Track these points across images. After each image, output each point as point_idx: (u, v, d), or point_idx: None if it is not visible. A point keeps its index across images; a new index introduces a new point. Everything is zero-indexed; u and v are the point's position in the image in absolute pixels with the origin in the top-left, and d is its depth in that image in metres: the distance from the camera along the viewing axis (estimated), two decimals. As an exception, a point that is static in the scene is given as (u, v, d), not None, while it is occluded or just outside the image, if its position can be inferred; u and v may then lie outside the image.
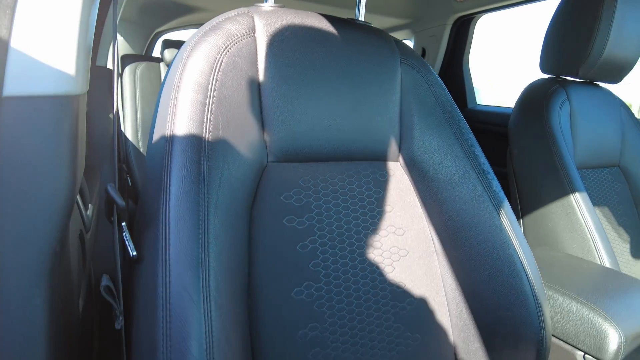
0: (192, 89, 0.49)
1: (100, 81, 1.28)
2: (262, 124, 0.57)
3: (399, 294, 0.62)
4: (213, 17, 0.60)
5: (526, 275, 0.59)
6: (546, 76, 1.18)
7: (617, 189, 1.15)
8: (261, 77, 0.56)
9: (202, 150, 0.47)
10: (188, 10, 1.86)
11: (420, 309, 0.63)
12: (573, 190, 0.96)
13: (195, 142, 0.47)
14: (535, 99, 1.08)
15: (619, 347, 0.62)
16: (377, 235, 0.63)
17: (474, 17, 1.77)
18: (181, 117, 0.47)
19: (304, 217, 0.58)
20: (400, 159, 0.68)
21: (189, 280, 0.40)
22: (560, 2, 1.10)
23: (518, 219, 1.12)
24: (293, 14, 0.61)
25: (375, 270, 0.61)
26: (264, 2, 0.62)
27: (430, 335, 0.63)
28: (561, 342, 0.68)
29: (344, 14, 0.68)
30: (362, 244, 0.61)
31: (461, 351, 0.65)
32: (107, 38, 1.48)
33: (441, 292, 0.66)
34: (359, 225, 0.62)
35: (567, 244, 0.96)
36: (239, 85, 0.54)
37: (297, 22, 0.60)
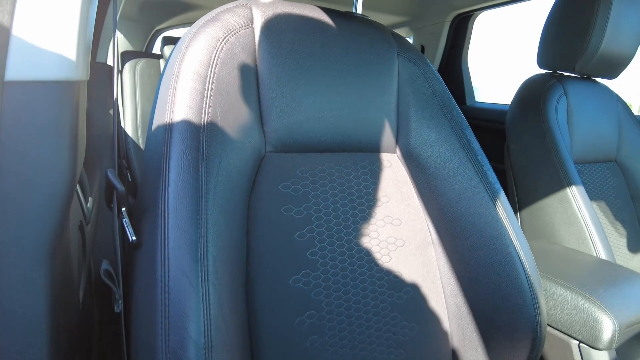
0: (191, 78, 0.50)
1: (100, 77, 1.29)
2: (260, 114, 0.58)
3: (396, 283, 0.63)
4: None
5: (522, 264, 0.60)
6: (544, 71, 1.19)
7: (614, 184, 1.16)
8: (259, 67, 0.57)
9: (200, 138, 0.47)
10: (188, 7, 1.87)
11: (416, 298, 0.64)
12: (570, 183, 0.97)
13: (193, 130, 0.47)
14: (533, 94, 1.09)
15: (613, 336, 0.62)
16: (374, 226, 0.64)
17: (472, 15, 1.77)
18: (180, 106, 0.48)
19: (302, 206, 0.59)
20: (397, 150, 0.69)
21: (188, 264, 0.41)
22: (558, -2, 1.11)
23: (515, 212, 1.12)
24: (291, 6, 0.61)
25: (372, 260, 0.62)
26: None
27: (427, 325, 0.64)
28: (556, 332, 0.69)
29: (341, 8, 0.69)
30: (359, 234, 0.62)
31: (457, 340, 0.65)
32: (107, 35, 1.48)
33: (437, 282, 0.67)
34: (356, 216, 0.63)
35: (563, 237, 0.97)
36: (237, 76, 0.54)
37: (295, 13, 0.61)
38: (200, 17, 0.58)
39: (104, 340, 0.96)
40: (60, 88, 0.37)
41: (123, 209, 0.48)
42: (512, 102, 1.16)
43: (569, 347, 0.67)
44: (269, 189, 0.57)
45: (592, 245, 0.92)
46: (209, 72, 0.51)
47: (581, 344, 0.65)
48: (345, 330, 0.58)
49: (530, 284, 0.59)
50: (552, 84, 1.09)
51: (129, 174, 1.38)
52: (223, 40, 0.54)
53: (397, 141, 0.69)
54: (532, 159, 1.05)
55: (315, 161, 0.62)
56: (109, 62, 1.46)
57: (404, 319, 0.62)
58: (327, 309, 0.57)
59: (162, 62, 1.64)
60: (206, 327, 0.40)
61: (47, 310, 0.38)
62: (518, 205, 1.10)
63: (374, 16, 1.84)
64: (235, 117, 0.53)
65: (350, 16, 0.67)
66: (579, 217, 0.94)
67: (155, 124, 0.50)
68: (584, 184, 1.07)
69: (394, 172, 0.68)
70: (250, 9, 0.58)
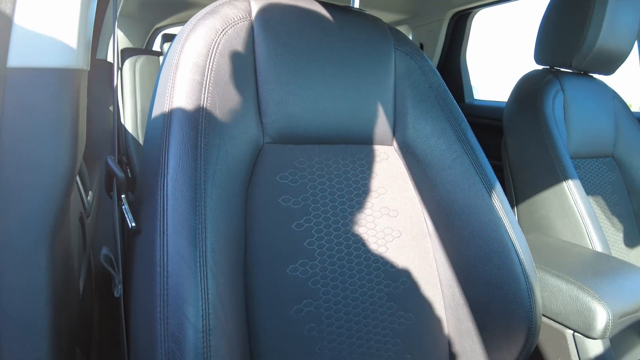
0: (190, 69, 0.51)
1: (100, 74, 1.29)
2: (258, 106, 0.58)
3: (392, 273, 0.63)
4: None
5: (517, 254, 0.61)
6: (541, 67, 1.19)
7: (611, 179, 1.16)
8: (257, 59, 0.58)
9: (199, 127, 0.48)
10: (187, 5, 1.88)
11: (413, 288, 0.65)
12: (566, 177, 0.98)
13: (192, 119, 0.48)
14: (529, 89, 1.10)
15: (607, 325, 0.63)
16: (371, 217, 0.65)
17: (470, 12, 1.78)
18: (179, 96, 0.49)
19: (299, 197, 0.60)
20: (394, 143, 0.70)
21: (186, 250, 0.42)
22: (555, -6, 1.12)
23: (512, 207, 1.13)
24: None
25: (368, 250, 0.63)
26: None
27: (424, 315, 0.65)
28: (551, 322, 0.70)
29: (339, 3, 0.70)
30: (356, 225, 0.63)
31: (454, 330, 0.66)
32: (107, 32, 1.49)
33: (434, 272, 0.67)
34: (353, 207, 0.64)
35: (560, 230, 0.98)
36: (236, 67, 0.55)
37: (293, 7, 0.61)
38: (199, 15, 0.59)
39: (104, 333, 0.97)
40: (61, 75, 0.38)
41: (123, 196, 0.49)
42: (509, 97, 1.16)
43: (563, 336, 0.68)
44: (266, 179, 0.58)
45: (587, 238, 0.93)
46: (208, 63, 0.52)
47: (576, 334, 0.66)
48: (342, 319, 0.58)
49: (525, 274, 0.60)
50: (549, 80, 1.10)
51: (128, 170, 1.39)
52: (221, 32, 0.55)
53: (394, 134, 0.70)
54: (528, 154, 1.06)
55: (312, 153, 0.63)
56: (109, 59, 1.47)
57: (401, 309, 0.63)
58: (324, 297, 0.58)
59: (161, 59, 1.65)
60: (204, 311, 0.41)
61: (48, 293, 0.39)
62: (515, 199, 1.11)
63: (372, 14, 1.84)
64: (233, 107, 0.54)
65: (348, 10, 0.68)
66: (575, 210, 0.95)
67: (155, 113, 0.51)
68: (581, 179, 1.08)
69: (390, 164, 0.69)
70: (249, 2, 0.59)
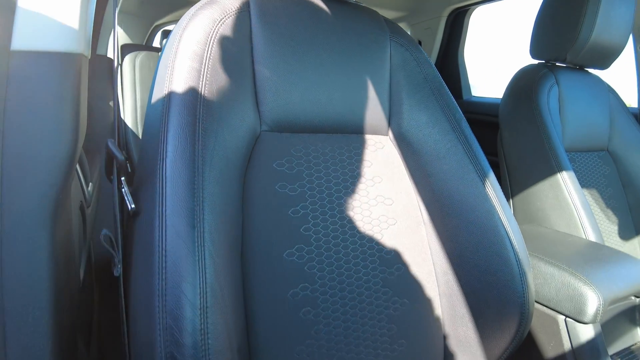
0: (189, 57, 0.52)
1: (100, 69, 1.31)
2: (256, 94, 0.60)
3: (387, 260, 0.65)
4: None
5: (510, 242, 0.62)
6: (536, 62, 1.21)
7: (606, 172, 1.18)
8: (254, 49, 0.59)
9: (197, 113, 0.49)
10: (187, 3, 1.89)
11: (408, 275, 0.66)
12: (560, 169, 0.99)
13: (190, 105, 0.49)
14: (525, 84, 1.11)
15: (597, 309, 0.64)
16: (367, 204, 0.66)
17: (468, 9, 1.80)
18: (178, 83, 0.50)
19: (296, 184, 0.61)
20: (390, 133, 0.71)
21: (184, 230, 0.43)
22: (550, -11, 1.13)
23: (508, 199, 1.14)
24: None
25: (364, 237, 0.64)
26: None
27: (418, 301, 0.66)
28: (544, 308, 0.71)
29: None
30: (351, 212, 0.64)
31: (448, 317, 0.67)
32: (107, 28, 1.50)
33: (429, 260, 0.68)
34: (349, 195, 0.65)
35: (554, 221, 0.99)
36: (233, 56, 0.56)
37: None
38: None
39: (104, 324, 0.98)
40: (63, 58, 0.39)
41: (123, 179, 0.50)
42: (505, 91, 1.18)
43: (555, 322, 0.69)
44: (263, 166, 0.59)
45: (581, 229, 0.94)
46: (206, 52, 0.53)
47: (567, 319, 0.67)
48: (337, 303, 0.60)
49: (518, 261, 0.61)
50: (544, 74, 1.11)
51: (128, 164, 1.40)
52: (220, 22, 0.56)
53: (389, 124, 0.71)
54: (524, 146, 1.07)
55: (309, 141, 0.64)
56: (109, 54, 1.48)
57: (395, 295, 0.64)
58: (320, 282, 0.59)
59: (161, 55, 1.66)
60: (202, 289, 0.42)
61: (49, 274, 0.40)
62: (511, 191, 1.12)
63: (371, 11, 1.85)
64: (231, 95, 0.55)
65: (345, 2, 0.69)
66: (569, 201, 0.96)
67: (154, 99, 0.52)
68: (576, 172, 1.09)
69: (386, 153, 0.70)
70: None
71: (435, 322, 0.67)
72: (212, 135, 0.50)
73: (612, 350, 0.72)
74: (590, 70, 1.26)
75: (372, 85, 0.68)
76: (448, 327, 0.67)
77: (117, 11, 0.62)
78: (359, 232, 0.64)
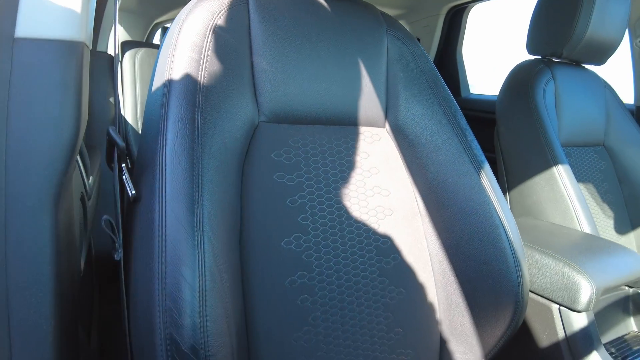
0: (188, 47, 0.53)
1: (100, 66, 1.32)
2: (254, 85, 0.61)
3: (384, 249, 0.65)
4: None
5: (505, 231, 0.63)
6: (533, 58, 1.22)
7: (602, 167, 1.19)
8: (253, 41, 0.60)
9: (196, 102, 0.51)
10: (186, 0, 1.90)
11: (404, 265, 0.67)
12: (556, 163, 1.00)
13: (190, 95, 0.50)
14: (521, 79, 1.12)
15: (590, 297, 0.65)
16: (364, 195, 0.67)
17: (466, 7, 1.81)
18: (177, 72, 0.51)
19: (294, 174, 0.62)
20: (387, 125, 0.72)
21: (184, 215, 0.44)
22: (546, -15, 1.14)
23: (505, 193, 1.15)
24: None
25: (361, 227, 0.65)
26: None
27: (414, 290, 0.67)
28: (538, 297, 0.72)
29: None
30: (348, 202, 0.65)
31: (444, 306, 0.68)
32: (107, 26, 1.51)
33: (425, 250, 0.69)
34: (346, 185, 0.66)
35: (550, 214, 1.00)
36: (232, 48, 0.57)
37: None
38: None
39: (103, 318, 0.99)
40: (66, 46, 0.40)
41: (123, 165, 0.51)
42: (502, 87, 1.19)
43: (550, 311, 0.70)
44: (262, 156, 0.60)
45: (577, 222, 0.95)
46: (205, 43, 0.54)
47: (561, 308, 0.68)
48: (334, 292, 0.61)
49: (513, 250, 0.62)
50: (541, 69, 1.12)
51: (128, 160, 1.41)
52: (218, 14, 0.57)
53: (386, 116, 0.72)
54: (520, 141, 1.08)
55: (306, 133, 0.65)
56: (110, 51, 1.49)
57: (392, 284, 0.65)
58: (317, 270, 0.60)
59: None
60: (201, 273, 0.43)
61: (52, 253, 0.41)
62: (507, 185, 1.13)
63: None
64: (229, 86, 0.56)
65: None
66: (565, 194, 0.97)
67: (154, 89, 0.53)
68: (572, 167, 1.10)
69: (383, 145, 0.71)
70: None
71: (431, 310, 0.68)
72: (211, 124, 0.51)
73: (606, 339, 0.73)
74: (587, 66, 1.27)
75: (369, 78, 0.69)
76: (444, 316, 0.68)
77: (117, 6, 0.63)
78: (355, 222, 0.65)
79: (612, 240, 1.10)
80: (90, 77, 0.55)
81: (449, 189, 0.67)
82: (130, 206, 0.52)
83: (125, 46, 1.52)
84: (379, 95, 0.70)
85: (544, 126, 1.03)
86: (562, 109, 1.12)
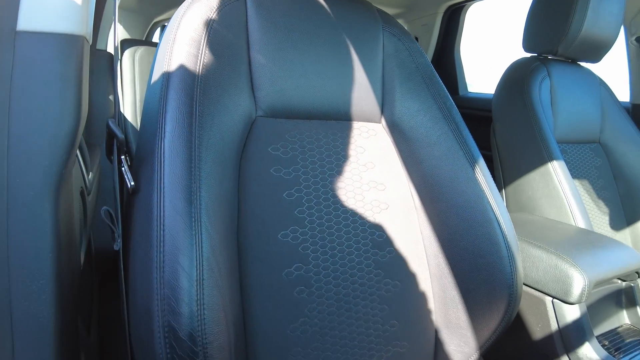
0: (187, 43, 0.54)
1: (100, 64, 1.32)
2: (251, 80, 0.61)
3: (380, 243, 0.66)
4: None
5: (499, 225, 0.63)
6: (529, 55, 1.23)
7: (597, 164, 1.20)
8: (250, 36, 0.61)
9: (194, 96, 0.51)
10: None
11: (399, 258, 0.68)
12: (551, 159, 1.01)
13: (188, 89, 0.51)
14: (517, 76, 1.13)
15: (583, 290, 0.66)
16: (360, 189, 0.68)
17: (464, 6, 1.82)
18: (176, 66, 0.52)
19: (290, 168, 0.63)
20: (382, 120, 0.73)
21: (182, 205, 0.45)
22: (542, -18, 1.15)
23: (500, 189, 1.16)
24: None
25: (357, 220, 0.66)
26: None
27: (410, 283, 0.68)
28: (532, 290, 0.73)
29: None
30: (345, 196, 0.66)
31: (439, 299, 0.69)
32: (107, 24, 1.52)
33: (420, 244, 0.70)
34: (342, 180, 0.67)
35: (545, 210, 1.01)
36: (229, 43, 0.58)
37: None
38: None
39: (103, 313, 0.99)
40: (66, 40, 0.41)
41: (122, 157, 0.52)
42: (498, 84, 1.20)
43: (543, 303, 0.71)
44: (259, 150, 0.61)
45: (571, 217, 0.96)
46: (203, 38, 0.55)
47: (554, 300, 0.69)
48: (330, 284, 0.61)
49: (507, 243, 0.63)
50: (536, 66, 1.13)
51: (128, 158, 1.42)
52: (216, 10, 0.58)
53: (382, 111, 0.73)
54: (516, 137, 1.09)
55: (303, 127, 0.66)
56: (109, 49, 1.50)
57: (387, 277, 0.66)
58: (313, 262, 0.61)
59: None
60: (198, 262, 0.44)
61: (52, 243, 0.42)
62: (503, 181, 1.14)
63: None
64: (227, 80, 0.57)
65: None
66: (559, 190, 0.98)
67: (153, 82, 0.54)
68: (567, 163, 1.11)
69: (378, 140, 0.72)
70: None
71: (426, 303, 0.69)
72: (209, 117, 0.52)
73: (599, 331, 0.74)
74: (582, 64, 1.28)
75: (365, 74, 0.70)
76: (439, 308, 0.69)
77: (117, 5, 0.64)
78: (352, 215, 0.66)
79: (608, 235, 1.12)
80: (90, 74, 0.56)
81: (443, 183, 0.68)
82: (129, 197, 0.53)
83: (125, 44, 1.53)
84: (375, 91, 0.71)
85: (539, 123, 1.04)
86: (558, 106, 1.14)
